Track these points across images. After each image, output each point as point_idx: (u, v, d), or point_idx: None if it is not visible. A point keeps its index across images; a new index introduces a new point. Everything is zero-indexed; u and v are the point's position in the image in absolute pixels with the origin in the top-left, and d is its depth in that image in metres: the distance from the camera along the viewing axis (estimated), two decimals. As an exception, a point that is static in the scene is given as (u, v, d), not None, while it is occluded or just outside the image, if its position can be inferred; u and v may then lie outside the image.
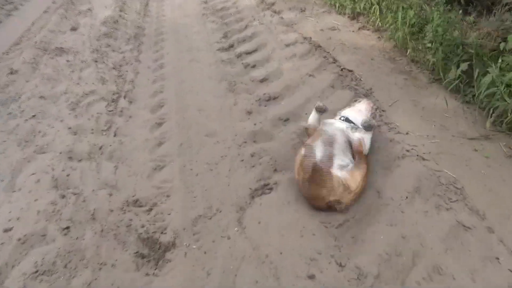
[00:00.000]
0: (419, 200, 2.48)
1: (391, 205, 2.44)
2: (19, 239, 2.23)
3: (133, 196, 2.64)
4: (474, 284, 1.98)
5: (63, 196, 2.55)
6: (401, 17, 4.51)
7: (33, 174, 2.75)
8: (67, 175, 2.75)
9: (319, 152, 2.53)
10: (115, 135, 3.24)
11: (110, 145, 3.10)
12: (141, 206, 2.58)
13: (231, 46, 5.01)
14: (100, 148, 3.07)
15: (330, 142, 2.60)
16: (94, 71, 4.20)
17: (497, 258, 2.08)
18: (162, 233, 2.38)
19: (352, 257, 2.19)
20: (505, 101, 3.05)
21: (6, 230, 2.28)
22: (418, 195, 2.53)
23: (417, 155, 2.86)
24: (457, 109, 3.49)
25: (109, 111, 3.53)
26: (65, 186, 2.66)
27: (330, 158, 2.50)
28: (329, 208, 2.44)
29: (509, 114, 3.06)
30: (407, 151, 2.90)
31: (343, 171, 2.45)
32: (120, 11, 6.14)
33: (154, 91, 3.95)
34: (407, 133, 3.14)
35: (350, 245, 2.27)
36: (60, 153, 2.95)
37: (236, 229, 2.41)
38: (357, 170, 2.48)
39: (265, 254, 2.23)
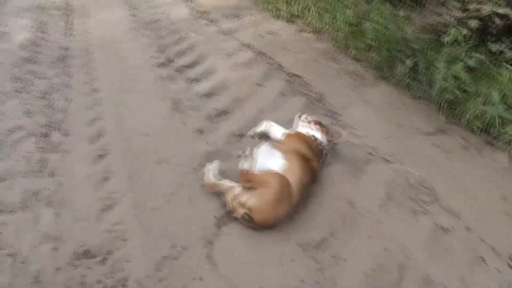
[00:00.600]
0: (394, 207, 2.40)
1: (367, 217, 2.33)
2: None
3: (83, 247, 2.29)
4: (467, 292, 1.90)
5: (-4, 261, 2.15)
6: (340, 17, 4.49)
7: (-46, 237, 2.30)
8: (-1, 233, 2.34)
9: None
10: (51, 176, 2.84)
11: (46, 189, 2.70)
12: (93, 257, 2.24)
13: (170, 60, 4.71)
14: (35, 194, 2.66)
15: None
16: (18, 103, 3.72)
17: (482, 258, 2.03)
18: (123, 286, 2.07)
19: (338, 281, 2.04)
20: (455, 94, 3.08)
21: None
22: (391, 201, 2.45)
23: (381, 157, 2.80)
24: (409, 105, 3.50)
25: (40, 147, 3.10)
26: (-2, 247, 2.26)
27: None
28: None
29: (460, 106, 3.10)
30: (370, 154, 2.83)
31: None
32: (41, 32, 5.58)
33: (91, 118, 3.56)
34: (366, 136, 3.07)
35: (332, 266, 2.12)
36: (-13, 207, 2.52)
37: (206, 266, 2.16)
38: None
39: (244, 292, 2.01)
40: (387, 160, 2.73)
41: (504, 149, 2.82)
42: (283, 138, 2.71)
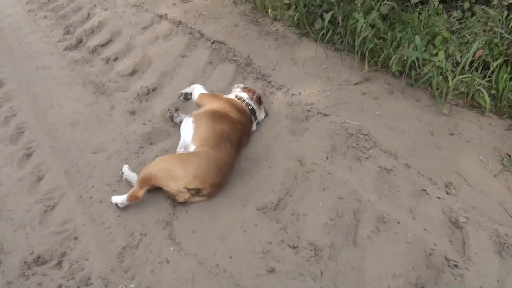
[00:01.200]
0: (339, 157, 2.53)
1: (317, 170, 2.43)
2: None
3: (31, 254, 2.12)
4: (416, 222, 2.10)
5: None
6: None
7: None
8: None
9: None
10: (-26, 186, 2.55)
11: (-27, 200, 2.44)
12: (46, 263, 2.10)
13: (80, 41, 4.35)
14: (-40, 208, 2.39)
15: None
16: None
17: (424, 190, 2.24)
18: (87, 285, 1.97)
19: (301, 235, 2.13)
20: (375, 42, 3.25)
21: None
22: (336, 152, 2.57)
23: (318, 112, 2.89)
24: (333, 58, 3.63)
25: (-48, 157, 2.76)
26: None
27: None
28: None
29: (380, 54, 3.28)
30: (308, 111, 2.91)
31: None
32: None
33: (5, 116, 3.21)
34: (299, 94, 3.15)
35: (294, 223, 2.21)
36: None
37: (171, 248, 2.13)
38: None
39: (214, 264, 2.03)
40: (324, 114, 2.84)
41: (424, 89, 3.07)
42: (196, 99, 2.76)
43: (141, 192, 2.25)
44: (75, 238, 2.21)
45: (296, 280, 1.94)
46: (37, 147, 2.87)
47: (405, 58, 3.13)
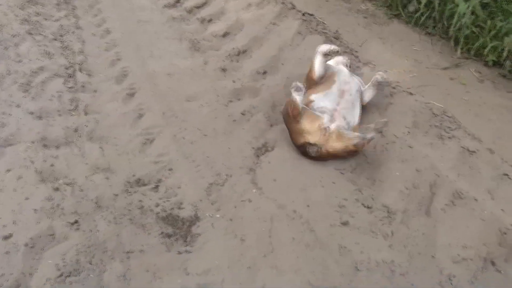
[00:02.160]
0: (421, 133, 2.58)
1: (397, 142, 2.51)
2: (26, 244, 1.96)
3: (133, 176, 2.43)
4: (494, 202, 2.13)
5: (56, 189, 2.27)
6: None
7: (8, 170, 2.39)
8: (51, 165, 2.44)
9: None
10: (86, 114, 2.91)
11: (86, 126, 2.79)
12: (145, 185, 2.39)
13: (177, 1, 4.64)
14: (76, 130, 2.75)
15: (342, 95, 2.61)
16: (33, 45, 3.68)
17: (506, 175, 2.25)
18: (179, 208, 2.24)
19: (375, 198, 2.25)
20: (472, 29, 3.20)
21: (6, 237, 1.99)
22: (418, 129, 2.62)
23: (403, 91, 2.94)
24: (423, 42, 3.61)
25: (69, 87, 3.14)
26: (54, 178, 2.36)
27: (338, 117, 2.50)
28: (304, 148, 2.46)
29: (475, 41, 3.23)
30: (393, 88, 2.96)
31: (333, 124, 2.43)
32: (35, -27, 5.36)
33: (111, 59, 3.57)
34: (386, 71, 3.20)
35: (369, 187, 2.32)
36: (33, 142, 2.59)
37: (254, 190, 2.34)
38: (344, 136, 2.38)
39: (292, 210, 2.21)
40: (409, 93, 2.88)
41: (517, 81, 3.01)
42: None
43: None
44: (170, 169, 2.49)
45: (367, 235, 2.08)
46: (138, 90, 3.18)
47: (501, 48, 3.06)
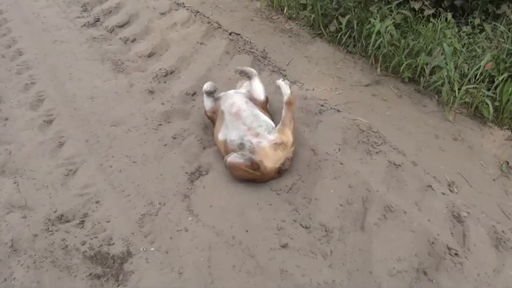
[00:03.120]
0: (350, 150, 2.67)
1: (329, 160, 2.56)
2: None
3: (55, 212, 2.21)
4: (421, 213, 2.25)
5: (-39, 235, 1.99)
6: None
7: None
8: (-45, 207, 2.15)
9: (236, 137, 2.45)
10: (-4, 145, 2.62)
11: (-4, 158, 2.51)
12: (68, 221, 2.19)
13: (97, 20, 4.43)
14: (-16, 164, 2.46)
15: (237, 116, 2.53)
16: None
17: (430, 186, 2.39)
18: (109, 244, 2.07)
19: (312, 217, 2.26)
20: (388, 48, 3.41)
21: None
22: (347, 145, 2.71)
23: (331, 108, 3.03)
24: (345, 60, 3.78)
25: (-25, 116, 2.82)
26: (-42, 222, 2.08)
27: (254, 133, 2.44)
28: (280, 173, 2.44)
29: (391, 59, 3.45)
30: (321, 105, 3.04)
31: (272, 135, 2.41)
32: None
33: (24, 83, 3.28)
34: (313, 89, 3.29)
35: (306, 206, 2.33)
36: None
37: (190, 218, 2.25)
38: (285, 126, 2.43)
39: (231, 236, 2.15)
40: (337, 110, 2.97)
41: (431, 96, 3.24)
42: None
43: None
44: (97, 202, 2.31)
45: (307, 256, 2.07)
46: (57, 115, 2.95)
47: (414, 65, 3.30)
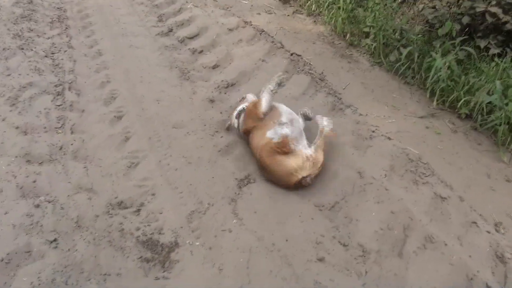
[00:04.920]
0: (397, 177, 2.71)
1: (374, 184, 2.62)
2: (2, 260, 1.93)
3: (116, 198, 2.44)
4: (462, 248, 2.24)
5: (37, 206, 2.26)
6: (342, 1, 4.72)
7: (-12, 184, 2.38)
8: (33, 181, 2.43)
9: (290, 131, 2.67)
10: (72, 133, 2.93)
11: (71, 144, 2.80)
12: (127, 208, 2.41)
13: (170, 30, 4.78)
14: (61, 148, 2.76)
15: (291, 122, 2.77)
16: (24, 60, 3.70)
17: (475, 223, 2.38)
18: (160, 233, 2.26)
19: (352, 236, 2.33)
20: (447, 83, 3.42)
21: (-20, 252, 1.97)
22: (394, 172, 2.75)
23: (382, 135, 3.09)
24: (402, 90, 3.82)
25: (57, 105, 3.17)
26: (35, 194, 2.36)
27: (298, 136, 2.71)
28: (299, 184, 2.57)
29: (450, 94, 3.45)
30: (373, 131, 3.11)
31: (309, 149, 2.66)
32: (31, -11, 5.43)
33: (101, 81, 3.63)
34: (366, 115, 3.37)
35: (346, 225, 2.40)
36: (16, 157, 2.59)
37: (234, 221, 2.39)
38: (320, 147, 2.69)
39: (271, 243, 2.26)
40: (388, 138, 3.03)
41: (487, 135, 3.20)
42: None
43: None
44: (153, 194, 2.52)
45: (342, 273, 2.14)
46: (126, 113, 3.23)
47: (473, 103, 3.28)
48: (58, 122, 2.98)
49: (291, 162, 2.55)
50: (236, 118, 2.97)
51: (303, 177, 2.53)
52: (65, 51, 4.07)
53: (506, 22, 3.50)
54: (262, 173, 2.70)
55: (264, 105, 2.78)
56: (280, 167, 2.56)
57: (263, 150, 2.62)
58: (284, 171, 2.55)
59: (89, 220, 2.26)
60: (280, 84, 2.96)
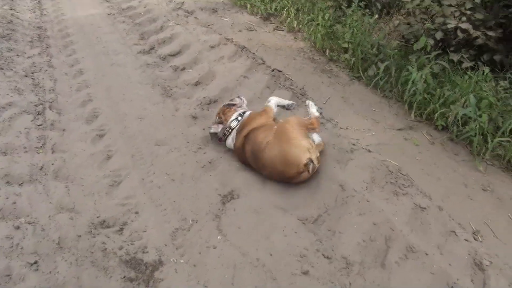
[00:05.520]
0: (378, 189, 2.76)
1: (356, 196, 2.66)
2: (-19, 285, 1.90)
3: (98, 217, 2.43)
4: (442, 257, 2.29)
5: (17, 227, 2.22)
6: (318, 18, 4.84)
7: (-33, 206, 2.33)
8: (13, 203, 2.40)
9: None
10: (53, 152, 2.91)
11: (52, 164, 2.78)
12: (109, 227, 2.39)
13: (152, 48, 4.82)
14: (41, 168, 2.73)
15: None
16: (3, 80, 3.67)
17: (454, 232, 2.44)
18: (143, 252, 2.25)
19: (335, 249, 2.35)
20: (424, 96, 3.53)
21: (-42, 277, 1.92)
22: (375, 184, 2.80)
23: (362, 148, 3.15)
24: (380, 103, 3.91)
25: (38, 125, 3.14)
26: (15, 216, 2.32)
27: None
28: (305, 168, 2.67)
29: (426, 107, 3.55)
30: (353, 144, 3.17)
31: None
32: (11, 9, 5.42)
33: (82, 100, 3.62)
34: (347, 128, 3.43)
35: (329, 238, 2.43)
36: (-5, 178, 2.56)
37: (218, 237, 2.39)
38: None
39: (255, 258, 2.27)
40: (368, 150, 3.09)
41: (463, 145, 3.29)
42: None
43: None
44: (136, 212, 2.51)
45: (326, 285, 2.15)
46: (108, 131, 3.23)
47: (448, 114, 3.38)
48: (39, 142, 2.96)
49: (305, 143, 2.70)
50: (236, 119, 3.08)
51: (310, 160, 2.64)
52: (46, 70, 4.05)
53: (477, 37, 3.64)
54: (263, 168, 2.77)
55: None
56: (293, 147, 2.67)
57: (279, 131, 2.79)
58: (298, 151, 2.66)
59: (71, 241, 2.23)
60: (285, 107, 3.28)
